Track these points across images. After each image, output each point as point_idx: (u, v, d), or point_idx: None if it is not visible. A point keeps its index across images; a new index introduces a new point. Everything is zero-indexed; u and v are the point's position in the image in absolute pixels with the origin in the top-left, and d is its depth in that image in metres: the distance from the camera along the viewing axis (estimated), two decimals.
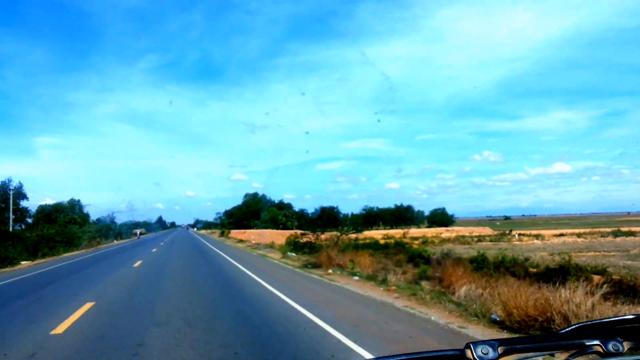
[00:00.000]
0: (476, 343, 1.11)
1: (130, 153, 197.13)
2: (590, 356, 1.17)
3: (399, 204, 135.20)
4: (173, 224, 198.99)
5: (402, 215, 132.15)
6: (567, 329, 1.28)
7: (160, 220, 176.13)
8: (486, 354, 1.11)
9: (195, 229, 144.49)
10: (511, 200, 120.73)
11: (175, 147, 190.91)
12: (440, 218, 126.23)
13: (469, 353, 1.11)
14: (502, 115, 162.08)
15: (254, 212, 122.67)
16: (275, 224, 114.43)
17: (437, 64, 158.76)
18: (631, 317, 1.30)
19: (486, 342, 1.12)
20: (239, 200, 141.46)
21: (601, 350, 1.17)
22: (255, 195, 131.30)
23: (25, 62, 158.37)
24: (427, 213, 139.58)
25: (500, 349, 1.12)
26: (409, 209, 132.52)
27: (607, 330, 1.26)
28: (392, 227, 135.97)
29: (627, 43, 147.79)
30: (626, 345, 1.20)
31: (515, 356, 1.14)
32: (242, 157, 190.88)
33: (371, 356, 1.46)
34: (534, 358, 1.18)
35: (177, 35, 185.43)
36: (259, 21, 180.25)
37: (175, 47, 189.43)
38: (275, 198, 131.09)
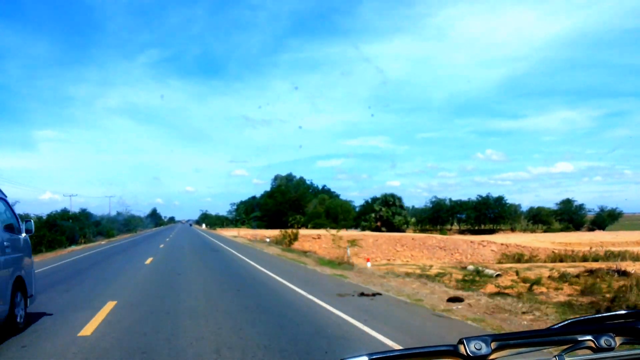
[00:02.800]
0: (469, 338, 1.13)
1: (130, 147, 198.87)
2: (582, 351, 1.20)
3: (483, 195, 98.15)
4: (172, 219, 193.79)
5: (488, 211, 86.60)
6: (560, 324, 1.32)
7: (154, 214, 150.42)
8: (479, 349, 1.12)
9: (204, 226, 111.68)
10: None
11: (176, 142, 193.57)
12: (601, 217, 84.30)
13: (462, 348, 1.13)
14: (503, 115, 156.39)
15: (292, 202, 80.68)
16: (333, 220, 73.08)
17: (439, 62, 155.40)
18: (623, 312, 1.34)
19: (479, 337, 1.13)
20: (239, 196, 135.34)
21: (593, 346, 1.19)
22: (289, 178, 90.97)
23: (25, 55, 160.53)
24: (524, 208, 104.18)
25: (493, 344, 1.14)
26: (499, 201, 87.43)
27: (599, 325, 1.28)
28: (475, 227, 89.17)
29: (630, 44, 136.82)
30: (618, 341, 1.22)
31: (508, 351, 1.16)
32: (242, 153, 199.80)
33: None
34: (527, 353, 1.21)
35: (178, 29, 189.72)
36: (260, 17, 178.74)
37: (176, 42, 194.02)
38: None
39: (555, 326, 1.31)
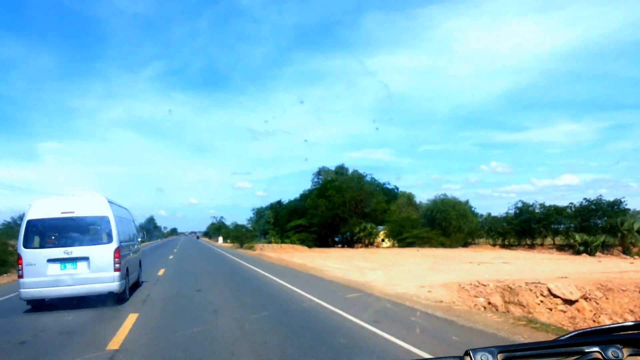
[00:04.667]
0: (475, 350, 1.14)
1: (133, 160, 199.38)
2: None
3: (591, 198, 58.94)
4: (174, 231, 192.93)
5: (599, 220, 49.80)
6: (567, 336, 1.32)
7: (151, 225, 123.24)
8: None
9: (221, 240, 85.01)
10: None
11: (179, 154, 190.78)
12: None
13: None
14: (507, 127, 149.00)
15: (356, 204, 47.28)
16: (443, 232, 41.41)
17: (441, 74, 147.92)
18: (631, 323, 1.35)
19: (485, 349, 1.15)
20: (242, 209, 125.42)
21: (600, 357, 1.19)
22: (339, 171, 59.59)
23: (30, 67, 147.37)
24: None
25: (499, 356, 1.14)
26: (614, 206, 51.48)
27: (606, 336, 1.28)
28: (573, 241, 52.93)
29: (633, 56, 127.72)
30: (626, 352, 1.21)
31: None
32: (245, 166, 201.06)
33: None
34: None
35: (182, 42, 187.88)
36: (264, 30, 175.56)
37: (180, 55, 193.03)
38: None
39: (562, 337, 1.31)
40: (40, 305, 11.78)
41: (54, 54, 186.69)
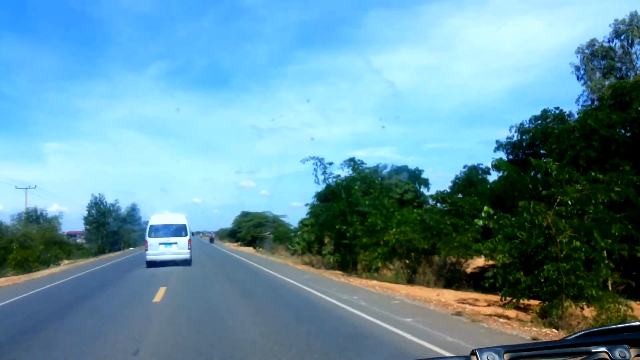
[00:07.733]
0: (482, 350, 1.17)
1: (137, 159, 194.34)
2: None
3: None
4: None
5: None
6: (574, 335, 1.37)
7: (132, 218, 77.51)
8: None
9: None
10: None
11: (182, 154, 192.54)
12: None
13: None
14: (512, 125, 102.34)
15: None
16: None
17: (446, 72, 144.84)
18: (638, 323, 1.37)
19: (492, 348, 1.17)
20: (245, 208, 68.93)
21: (608, 357, 1.20)
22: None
23: (33, 67, 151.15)
24: None
25: (506, 356, 1.16)
26: None
27: (614, 336, 1.31)
28: None
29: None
30: (633, 352, 1.21)
31: None
32: (249, 165, 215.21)
33: None
34: None
35: (186, 41, 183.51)
36: (268, 28, 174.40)
37: (184, 54, 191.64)
38: (280, 209, 59.03)
39: (569, 337, 1.33)
40: (152, 264, 23.27)
41: (58, 54, 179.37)
